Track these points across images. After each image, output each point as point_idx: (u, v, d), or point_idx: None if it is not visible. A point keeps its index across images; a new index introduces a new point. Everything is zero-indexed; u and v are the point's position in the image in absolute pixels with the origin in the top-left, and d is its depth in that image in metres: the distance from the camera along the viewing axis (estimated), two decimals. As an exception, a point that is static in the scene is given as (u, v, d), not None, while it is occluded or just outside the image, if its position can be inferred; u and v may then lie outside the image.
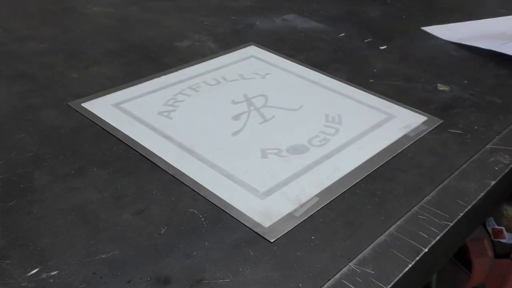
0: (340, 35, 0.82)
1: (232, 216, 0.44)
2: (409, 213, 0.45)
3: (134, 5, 0.91)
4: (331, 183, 0.48)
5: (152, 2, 0.93)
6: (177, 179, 0.48)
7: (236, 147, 0.53)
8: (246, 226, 0.43)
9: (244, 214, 0.44)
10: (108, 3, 0.91)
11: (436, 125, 0.58)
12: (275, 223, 0.43)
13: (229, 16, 0.87)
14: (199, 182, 0.47)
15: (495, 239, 0.80)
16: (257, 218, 0.43)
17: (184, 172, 0.49)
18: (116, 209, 0.44)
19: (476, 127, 0.58)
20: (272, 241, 0.41)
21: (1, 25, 0.80)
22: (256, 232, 0.42)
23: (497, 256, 0.80)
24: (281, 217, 0.44)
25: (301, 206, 0.45)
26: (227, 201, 0.45)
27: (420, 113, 0.59)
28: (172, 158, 0.50)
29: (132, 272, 0.38)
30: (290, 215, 0.44)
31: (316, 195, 0.46)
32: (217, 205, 0.45)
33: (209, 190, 0.46)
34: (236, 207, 0.45)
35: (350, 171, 0.49)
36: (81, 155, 0.51)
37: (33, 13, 0.86)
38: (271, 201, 0.45)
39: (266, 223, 0.43)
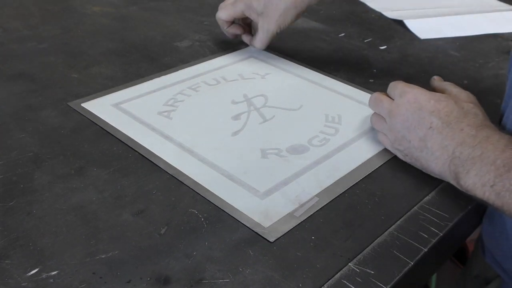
0: (340, 35, 0.82)
1: (232, 216, 0.44)
2: (409, 213, 0.45)
3: (134, 5, 0.91)
4: (331, 183, 0.48)
5: (152, 2, 0.93)
6: (177, 179, 0.48)
7: (236, 147, 0.53)
8: (246, 226, 0.43)
9: (244, 214, 0.44)
10: (108, 3, 0.91)
11: (436, 125, 0.57)
12: (275, 223, 0.43)
13: (229, 16, 0.87)
14: (199, 182, 0.47)
15: (495, 239, 0.80)
16: (257, 218, 0.43)
17: (184, 172, 0.49)
18: (116, 209, 0.44)
19: (476, 127, 0.58)
20: (272, 241, 0.41)
21: (1, 25, 0.80)
22: (256, 232, 0.42)
23: (497, 256, 0.80)
24: (281, 217, 0.44)
25: (301, 206, 0.45)
26: (227, 201, 0.45)
27: (420, 113, 0.59)
28: (172, 158, 0.50)
29: (132, 272, 0.38)
30: (290, 215, 0.44)
31: (316, 195, 0.46)
32: (217, 205, 0.45)
33: (209, 190, 0.46)
34: (236, 207, 0.45)
35: (350, 171, 0.49)
36: (81, 155, 0.51)
37: (33, 13, 0.86)
38: (271, 201, 0.45)
39: (266, 223, 0.43)
